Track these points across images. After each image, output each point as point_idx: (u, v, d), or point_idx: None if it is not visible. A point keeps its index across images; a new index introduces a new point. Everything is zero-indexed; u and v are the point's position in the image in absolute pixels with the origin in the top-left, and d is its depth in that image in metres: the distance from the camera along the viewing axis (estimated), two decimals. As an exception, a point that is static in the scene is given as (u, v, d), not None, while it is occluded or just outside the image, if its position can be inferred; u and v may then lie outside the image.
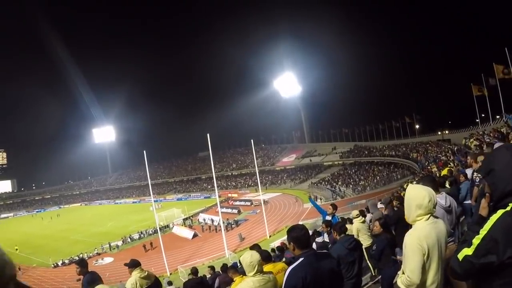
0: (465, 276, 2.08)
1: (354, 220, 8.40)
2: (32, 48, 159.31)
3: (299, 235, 3.46)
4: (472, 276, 2.09)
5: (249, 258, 3.75)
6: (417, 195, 2.85)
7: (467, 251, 2.00)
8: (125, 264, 6.41)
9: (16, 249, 50.74)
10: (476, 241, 1.97)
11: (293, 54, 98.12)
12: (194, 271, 11.86)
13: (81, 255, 41.91)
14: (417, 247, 2.71)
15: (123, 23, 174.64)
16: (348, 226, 7.78)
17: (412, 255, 2.75)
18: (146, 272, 6.35)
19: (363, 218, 8.71)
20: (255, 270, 3.74)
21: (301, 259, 3.32)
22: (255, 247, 6.87)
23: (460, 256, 2.02)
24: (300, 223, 35.28)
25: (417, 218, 2.82)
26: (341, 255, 5.56)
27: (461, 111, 63.36)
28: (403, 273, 2.91)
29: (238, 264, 10.75)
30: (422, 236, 2.74)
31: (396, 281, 3.28)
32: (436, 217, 2.90)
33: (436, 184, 4.91)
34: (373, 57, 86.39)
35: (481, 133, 29.91)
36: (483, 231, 1.96)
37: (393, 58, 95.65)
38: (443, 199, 4.66)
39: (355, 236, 7.66)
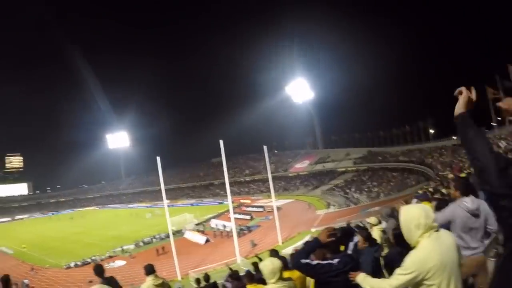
0: None
1: (374, 228, 8.18)
2: (48, 55, 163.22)
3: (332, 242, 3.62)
4: None
5: (270, 265, 3.68)
6: (412, 216, 2.74)
7: None
8: (144, 267, 6.39)
9: (24, 247, 52.93)
10: None
11: (305, 60, 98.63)
12: (206, 277, 11.73)
13: (93, 258, 42.35)
14: (411, 270, 2.60)
15: (138, 30, 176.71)
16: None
17: (402, 275, 2.66)
18: (161, 280, 6.30)
19: (383, 226, 8.51)
20: (276, 277, 3.65)
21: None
22: (273, 252, 6.76)
23: None
24: (314, 230, 34.91)
25: (419, 239, 2.69)
26: (368, 261, 5.50)
27: (476, 115, 62.56)
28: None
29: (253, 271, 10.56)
30: (421, 257, 2.61)
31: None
32: (437, 230, 2.74)
33: (469, 187, 4.69)
34: (386, 61, 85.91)
35: (497, 137, 29.49)
36: None
37: (406, 61, 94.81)
38: (469, 202, 4.44)
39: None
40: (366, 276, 3.13)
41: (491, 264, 4.39)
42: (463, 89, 2.25)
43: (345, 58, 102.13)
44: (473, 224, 4.41)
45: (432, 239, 2.66)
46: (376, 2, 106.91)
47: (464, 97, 2.24)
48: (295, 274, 4.82)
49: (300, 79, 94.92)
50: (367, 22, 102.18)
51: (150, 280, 6.18)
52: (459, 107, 2.24)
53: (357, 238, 5.63)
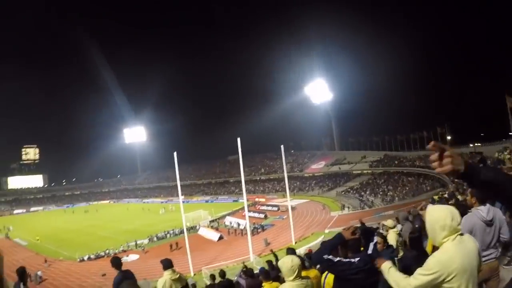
0: None
1: (390, 231, 8.15)
2: (67, 50, 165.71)
3: (353, 242, 3.80)
4: None
5: (290, 262, 3.72)
6: (439, 216, 2.72)
7: None
8: (161, 261, 6.44)
9: (38, 239, 53.96)
10: None
11: (324, 61, 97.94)
12: (222, 273, 11.81)
13: (107, 251, 42.81)
14: (433, 271, 2.61)
15: (156, 26, 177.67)
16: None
17: (424, 275, 2.66)
18: (178, 275, 6.34)
19: (399, 229, 8.48)
20: (295, 275, 3.70)
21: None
22: (290, 250, 6.80)
23: None
24: (327, 231, 34.72)
25: (444, 240, 2.69)
26: None
27: (494, 123, 61.50)
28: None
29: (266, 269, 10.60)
30: (443, 260, 2.61)
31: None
32: (462, 234, 2.76)
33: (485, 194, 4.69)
34: (405, 65, 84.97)
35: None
36: None
37: (425, 65, 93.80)
38: (485, 211, 4.45)
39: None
40: (391, 266, 3.10)
41: (504, 271, 4.41)
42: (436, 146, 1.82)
43: (365, 60, 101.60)
44: (488, 232, 4.43)
45: (456, 242, 2.66)
46: (397, 3, 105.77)
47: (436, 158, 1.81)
48: (312, 273, 4.86)
49: (319, 80, 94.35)
50: (387, 24, 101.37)
51: (167, 274, 6.21)
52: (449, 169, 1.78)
53: (377, 239, 5.66)
